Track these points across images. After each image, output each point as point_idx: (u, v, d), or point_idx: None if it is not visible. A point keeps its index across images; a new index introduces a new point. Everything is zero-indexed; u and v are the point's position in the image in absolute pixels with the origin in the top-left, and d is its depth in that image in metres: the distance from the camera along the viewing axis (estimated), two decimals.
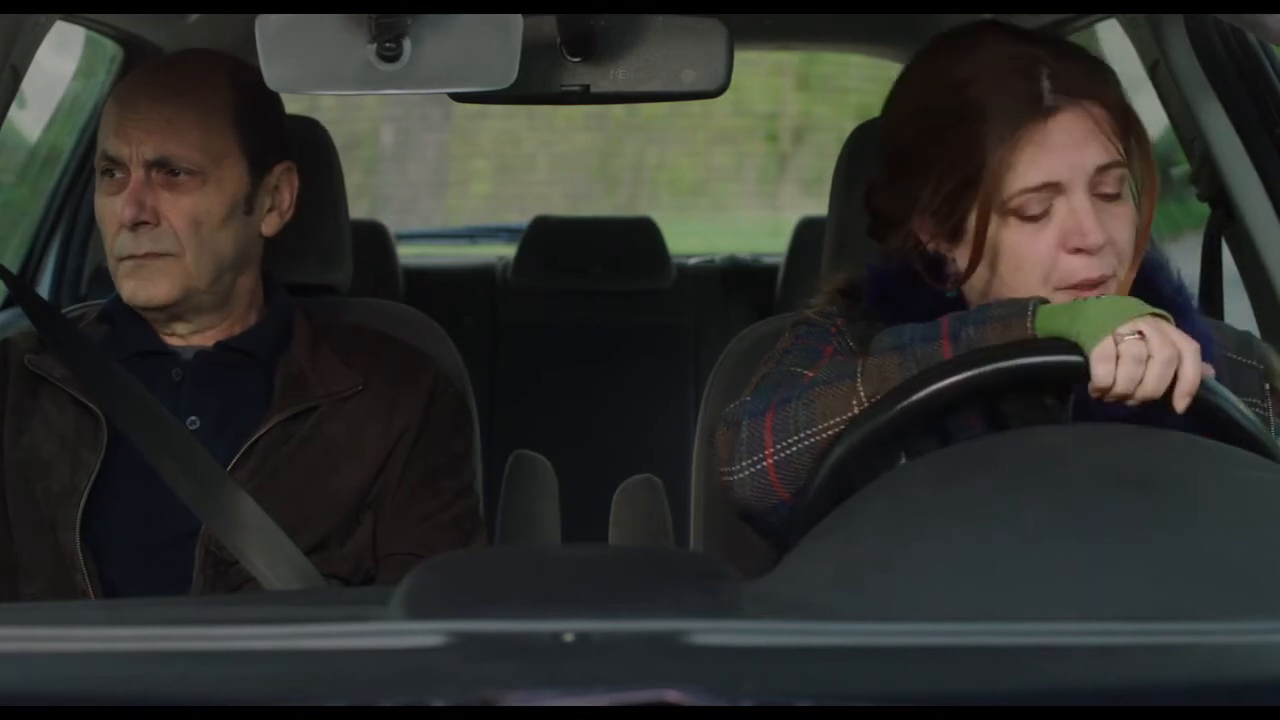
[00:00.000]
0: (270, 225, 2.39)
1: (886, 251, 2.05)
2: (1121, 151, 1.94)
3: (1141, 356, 1.78)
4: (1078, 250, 1.92)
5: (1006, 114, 1.93)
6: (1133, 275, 1.97)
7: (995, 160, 1.93)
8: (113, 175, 2.31)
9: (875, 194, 2.08)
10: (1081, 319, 1.81)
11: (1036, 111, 1.92)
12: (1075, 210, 1.92)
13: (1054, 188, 1.92)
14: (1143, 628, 1.18)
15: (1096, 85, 1.95)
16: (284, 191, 2.40)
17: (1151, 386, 1.77)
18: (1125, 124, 1.95)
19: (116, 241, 2.30)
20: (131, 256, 2.29)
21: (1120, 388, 1.77)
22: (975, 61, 1.97)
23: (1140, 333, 1.79)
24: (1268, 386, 2.05)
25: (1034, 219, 1.93)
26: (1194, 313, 2.03)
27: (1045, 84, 1.93)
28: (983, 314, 1.87)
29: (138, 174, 2.28)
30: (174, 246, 2.29)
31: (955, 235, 1.99)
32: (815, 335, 2.06)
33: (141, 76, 2.41)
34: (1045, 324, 1.83)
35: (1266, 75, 2.58)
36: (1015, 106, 1.93)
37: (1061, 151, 1.92)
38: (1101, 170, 1.93)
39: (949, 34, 2.05)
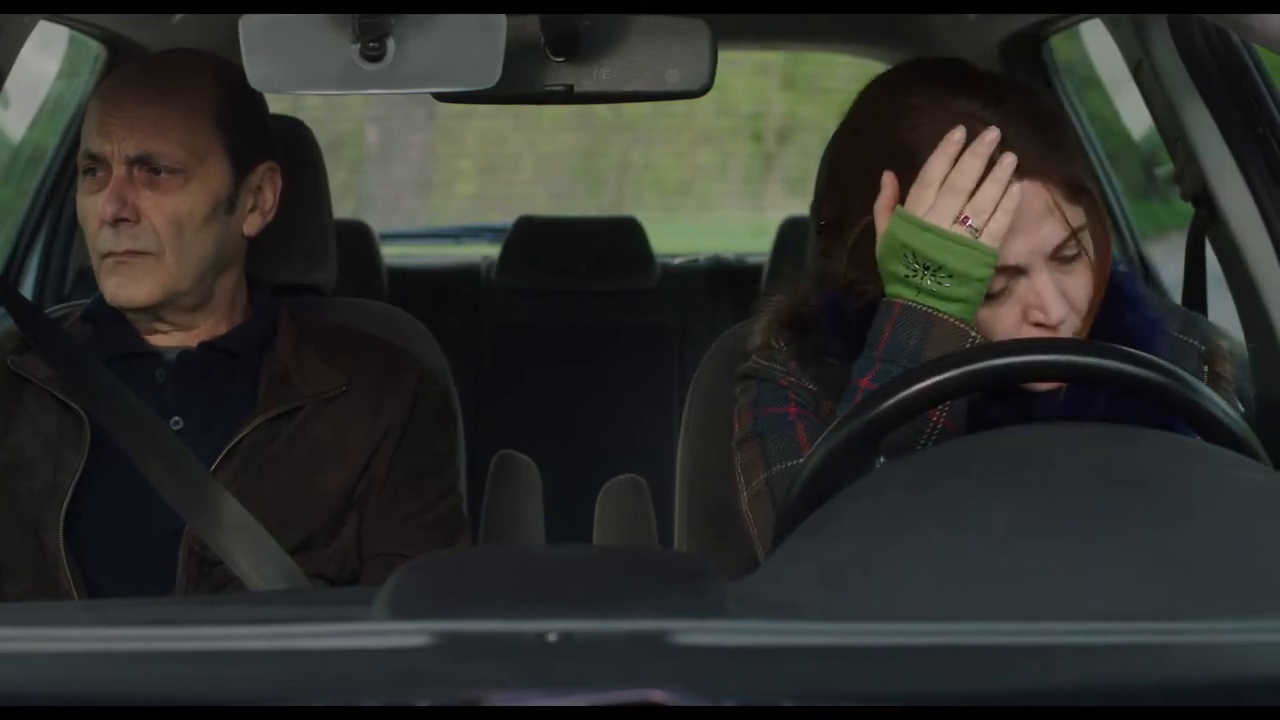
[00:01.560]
0: (252, 225, 2.38)
1: (838, 280, 2.03)
2: (1079, 216, 1.91)
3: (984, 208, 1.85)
4: (1040, 324, 1.91)
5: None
6: (1090, 321, 1.96)
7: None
8: (94, 173, 2.31)
9: (827, 231, 2.06)
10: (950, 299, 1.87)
11: None
12: (1037, 289, 1.90)
13: (1014, 269, 1.90)
14: (1130, 627, 1.18)
15: (1046, 159, 1.89)
16: (266, 191, 2.39)
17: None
18: (1077, 188, 1.91)
19: (98, 239, 2.29)
20: (112, 254, 2.28)
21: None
22: (921, 132, 1.91)
23: (965, 218, 1.85)
24: (1205, 368, 2.04)
25: (994, 296, 1.91)
26: (1143, 300, 2.03)
27: None
28: (895, 359, 1.89)
29: (119, 171, 2.27)
30: (154, 245, 2.28)
31: None
32: (771, 395, 2.05)
33: (125, 76, 2.40)
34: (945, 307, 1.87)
35: (1250, 75, 2.59)
36: None
37: (1019, 236, 1.88)
38: (1059, 245, 1.91)
39: (894, 85, 2.01)
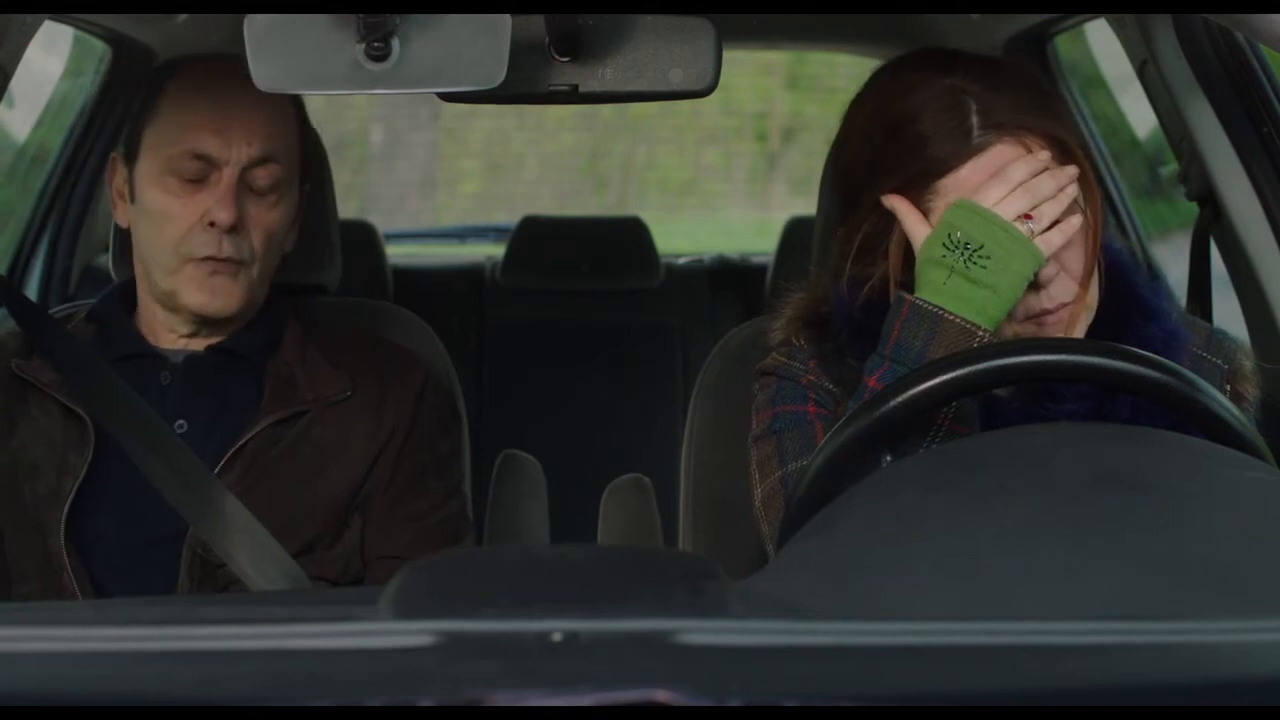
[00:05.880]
0: (290, 241, 2.40)
1: (862, 274, 2.05)
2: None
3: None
4: (1042, 310, 1.94)
5: (940, 152, 1.93)
6: (1088, 291, 1.96)
7: (932, 202, 1.93)
8: (186, 174, 2.28)
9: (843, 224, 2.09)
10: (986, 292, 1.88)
11: (967, 148, 1.93)
12: None
13: None
14: (1129, 627, 1.18)
15: (1026, 115, 1.94)
16: (301, 206, 2.41)
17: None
18: (1061, 147, 1.94)
19: (186, 241, 2.28)
20: (211, 259, 2.27)
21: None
22: (912, 100, 1.96)
23: (1026, 215, 1.88)
24: (1228, 386, 2.05)
25: None
26: (1165, 312, 2.04)
27: (974, 119, 1.93)
28: (902, 358, 1.90)
29: (231, 174, 2.27)
30: (249, 256, 2.29)
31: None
32: (790, 393, 2.06)
33: (223, 77, 2.30)
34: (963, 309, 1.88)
35: (1254, 75, 2.59)
36: (948, 146, 1.93)
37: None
38: None
39: (892, 67, 2.06)
